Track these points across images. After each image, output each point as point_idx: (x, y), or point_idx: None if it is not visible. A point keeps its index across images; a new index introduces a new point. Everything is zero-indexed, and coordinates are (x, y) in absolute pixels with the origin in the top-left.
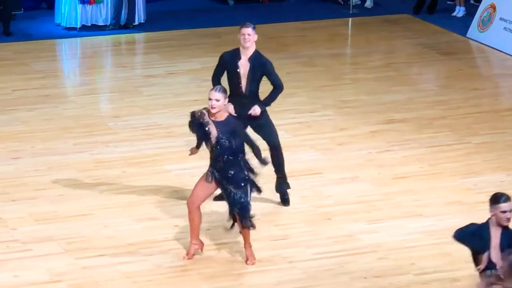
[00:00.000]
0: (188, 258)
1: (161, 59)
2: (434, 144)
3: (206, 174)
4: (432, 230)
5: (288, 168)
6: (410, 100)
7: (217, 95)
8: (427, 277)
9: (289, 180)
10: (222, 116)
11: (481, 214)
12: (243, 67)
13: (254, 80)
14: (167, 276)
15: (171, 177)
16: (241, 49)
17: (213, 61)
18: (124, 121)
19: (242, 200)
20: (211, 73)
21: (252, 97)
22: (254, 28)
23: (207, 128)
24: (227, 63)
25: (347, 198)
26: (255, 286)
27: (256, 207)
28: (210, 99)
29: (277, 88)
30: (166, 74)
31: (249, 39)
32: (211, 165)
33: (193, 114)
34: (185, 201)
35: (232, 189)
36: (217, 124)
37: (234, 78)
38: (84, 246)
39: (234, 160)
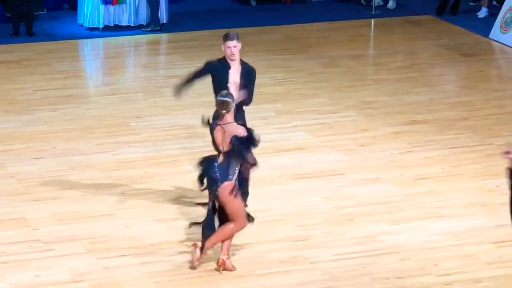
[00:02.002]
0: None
1: (183, 59)
2: (456, 145)
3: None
4: (454, 231)
5: (310, 169)
6: (432, 101)
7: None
8: (449, 278)
9: (311, 181)
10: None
11: (503, 215)
12: (233, 76)
13: (242, 88)
14: (188, 277)
15: (193, 177)
16: (228, 61)
17: None
18: (146, 121)
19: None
20: None
21: (238, 104)
22: (238, 37)
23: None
24: (217, 72)
25: (369, 199)
26: (277, 287)
27: (278, 208)
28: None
29: (250, 93)
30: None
31: (235, 51)
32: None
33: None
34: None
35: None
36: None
37: (222, 88)
38: (106, 246)
39: None
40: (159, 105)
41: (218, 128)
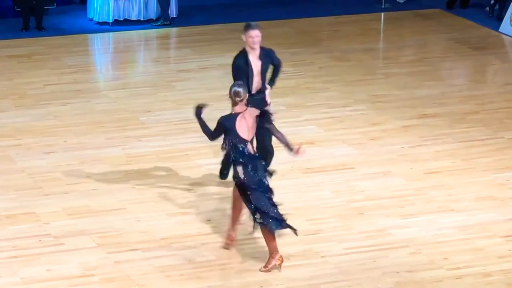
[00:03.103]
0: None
1: (193, 53)
2: (466, 139)
3: None
4: (465, 225)
5: (320, 162)
6: (442, 94)
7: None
8: (459, 272)
9: (321, 175)
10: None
11: None
12: (256, 66)
13: (265, 75)
14: (199, 270)
15: (204, 171)
16: (248, 49)
17: None
18: (157, 115)
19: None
20: None
21: (261, 92)
22: (259, 27)
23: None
24: (241, 66)
25: (379, 193)
26: (287, 281)
27: (288, 202)
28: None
29: (279, 65)
30: (198, 69)
31: (257, 40)
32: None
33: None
34: (217, 196)
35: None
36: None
37: (244, 78)
38: (116, 241)
39: None
40: (169, 99)
41: (239, 118)
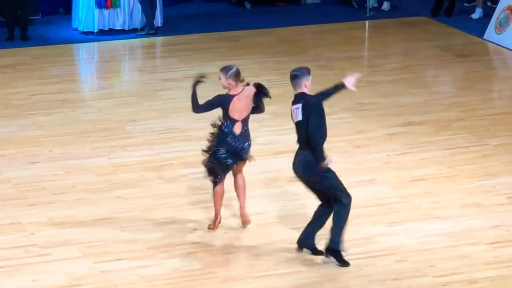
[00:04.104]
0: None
1: (178, 63)
2: (452, 146)
3: None
4: (450, 232)
5: None
6: (427, 102)
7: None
8: (445, 279)
9: None
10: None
11: (498, 216)
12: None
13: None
14: (185, 280)
15: (189, 180)
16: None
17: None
18: (142, 125)
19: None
20: None
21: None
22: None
23: None
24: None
25: (365, 200)
26: None
27: (274, 211)
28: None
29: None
30: (183, 78)
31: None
32: None
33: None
34: (203, 205)
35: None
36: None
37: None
38: (102, 250)
39: None
40: (154, 108)
41: (235, 99)
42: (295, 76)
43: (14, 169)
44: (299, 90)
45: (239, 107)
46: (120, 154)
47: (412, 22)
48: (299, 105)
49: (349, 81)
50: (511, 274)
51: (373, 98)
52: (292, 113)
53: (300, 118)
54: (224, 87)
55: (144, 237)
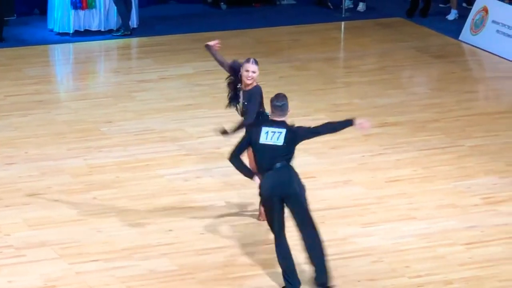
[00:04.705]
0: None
1: (153, 64)
2: (427, 147)
3: None
4: (426, 233)
5: None
6: (403, 103)
7: (254, 67)
8: (421, 280)
9: None
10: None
11: (474, 217)
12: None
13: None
14: (161, 281)
15: (164, 182)
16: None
17: (206, 66)
18: (117, 126)
19: None
20: (204, 77)
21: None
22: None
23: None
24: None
25: (340, 201)
26: None
27: (251, 211)
28: (247, 70)
29: None
30: (158, 79)
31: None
32: None
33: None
34: (179, 207)
35: None
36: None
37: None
38: (78, 252)
39: None
40: (130, 109)
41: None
42: (284, 106)
43: None
44: (283, 118)
45: None
46: (95, 155)
47: (388, 23)
48: (283, 130)
49: (362, 124)
50: (485, 275)
51: (349, 99)
52: (265, 133)
53: (280, 142)
54: (254, 80)
55: (119, 238)
